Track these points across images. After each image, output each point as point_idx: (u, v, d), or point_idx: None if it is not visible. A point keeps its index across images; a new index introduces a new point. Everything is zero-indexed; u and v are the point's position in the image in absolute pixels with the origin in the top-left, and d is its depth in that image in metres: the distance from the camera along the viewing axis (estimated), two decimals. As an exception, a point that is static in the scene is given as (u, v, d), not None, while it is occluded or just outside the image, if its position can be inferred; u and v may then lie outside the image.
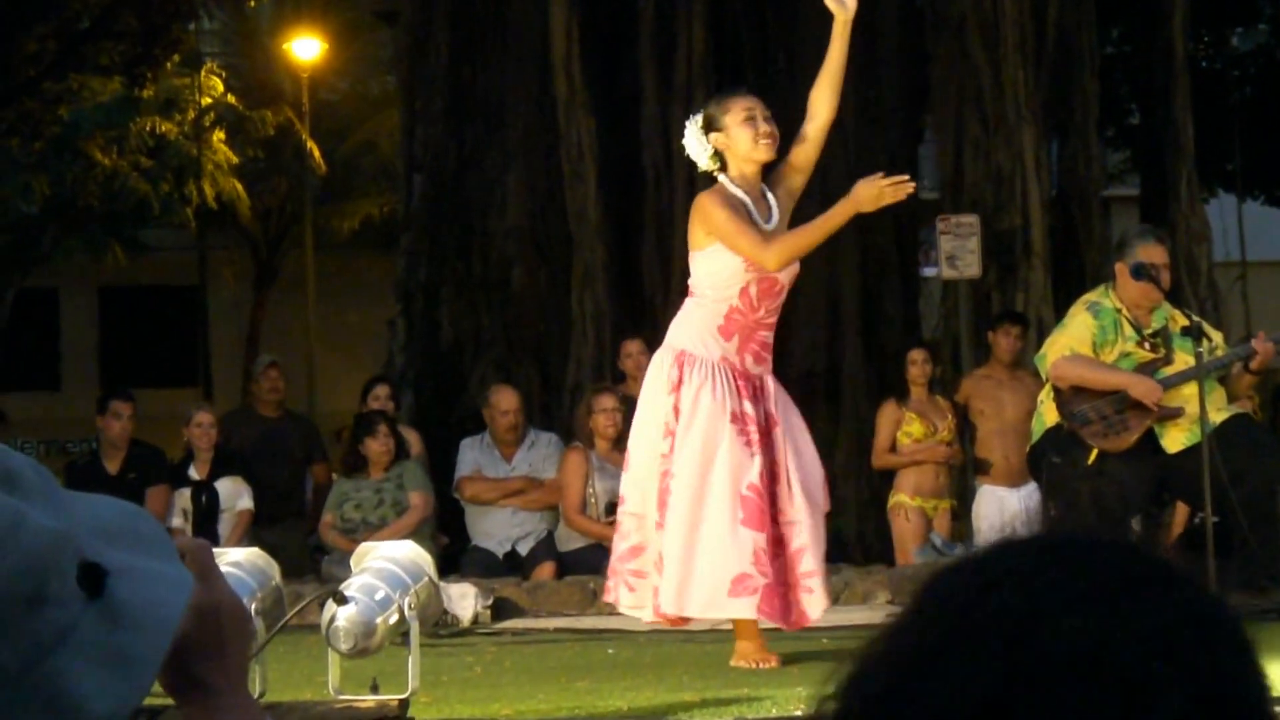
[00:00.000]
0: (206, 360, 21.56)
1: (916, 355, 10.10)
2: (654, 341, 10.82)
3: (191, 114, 21.28)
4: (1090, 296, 8.01)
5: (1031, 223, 11.90)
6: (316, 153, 22.02)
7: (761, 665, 6.06)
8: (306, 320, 22.31)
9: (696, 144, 6.36)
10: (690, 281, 6.39)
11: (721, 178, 6.32)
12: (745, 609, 6.04)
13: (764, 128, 6.26)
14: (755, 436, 6.09)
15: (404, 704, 4.72)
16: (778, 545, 6.11)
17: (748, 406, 6.13)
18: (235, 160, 21.89)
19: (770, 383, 6.28)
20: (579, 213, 12.09)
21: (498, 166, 12.70)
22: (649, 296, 12.27)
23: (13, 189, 19.55)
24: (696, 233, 6.29)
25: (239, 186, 21.83)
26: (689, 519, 6.03)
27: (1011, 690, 0.91)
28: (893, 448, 10.01)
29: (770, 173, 6.36)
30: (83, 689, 1.17)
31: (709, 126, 6.32)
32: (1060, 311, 9.35)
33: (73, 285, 23.99)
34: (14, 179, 19.14)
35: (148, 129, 20.57)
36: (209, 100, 21.57)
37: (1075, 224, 12.59)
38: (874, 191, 6.01)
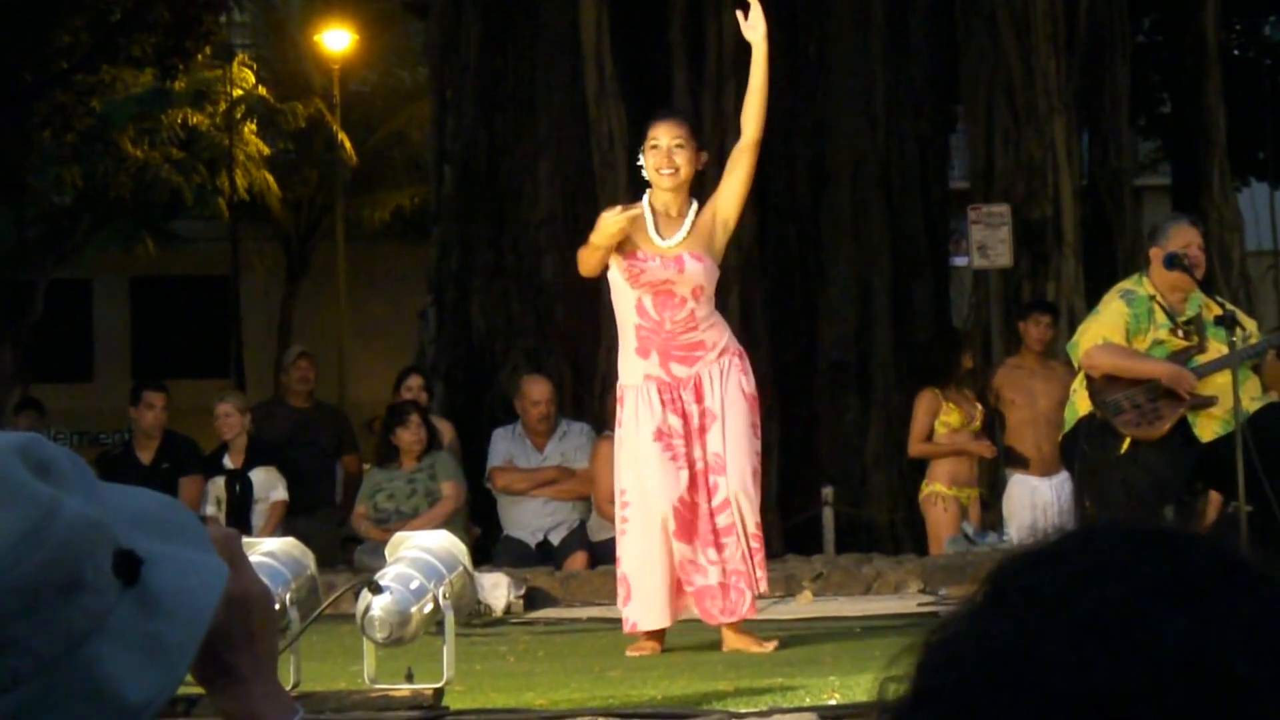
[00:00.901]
0: (238, 351, 21.63)
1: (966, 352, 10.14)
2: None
3: (223, 106, 21.35)
4: (1124, 284, 7.98)
5: (1063, 212, 11.86)
6: (347, 144, 22.08)
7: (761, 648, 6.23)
8: (338, 311, 22.36)
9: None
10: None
11: (647, 193, 6.50)
12: (690, 613, 6.39)
13: (659, 161, 6.41)
14: (681, 448, 6.28)
15: (439, 693, 4.72)
16: (717, 543, 6.30)
17: (672, 421, 6.29)
18: (266, 151, 21.96)
19: (707, 376, 6.36)
20: (610, 202, 12.04)
21: (529, 156, 12.70)
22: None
23: (45, 181, 19.62)
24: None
25: (270, 178, 21.89)
26: (641, 541, 6.31)
27: (1123, 686, 0.90)
28: (928, 437, 9.98)
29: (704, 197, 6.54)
30: (118, 676, 1.17)
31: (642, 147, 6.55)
32: (1092, 301, 9.32)
33: (105, 276, 24.09)
34: (46, 171, 19.21)
35: (179, 121, 20.64)
36: (240, 92, 21.63)
37: (1106, 213, 12.55)
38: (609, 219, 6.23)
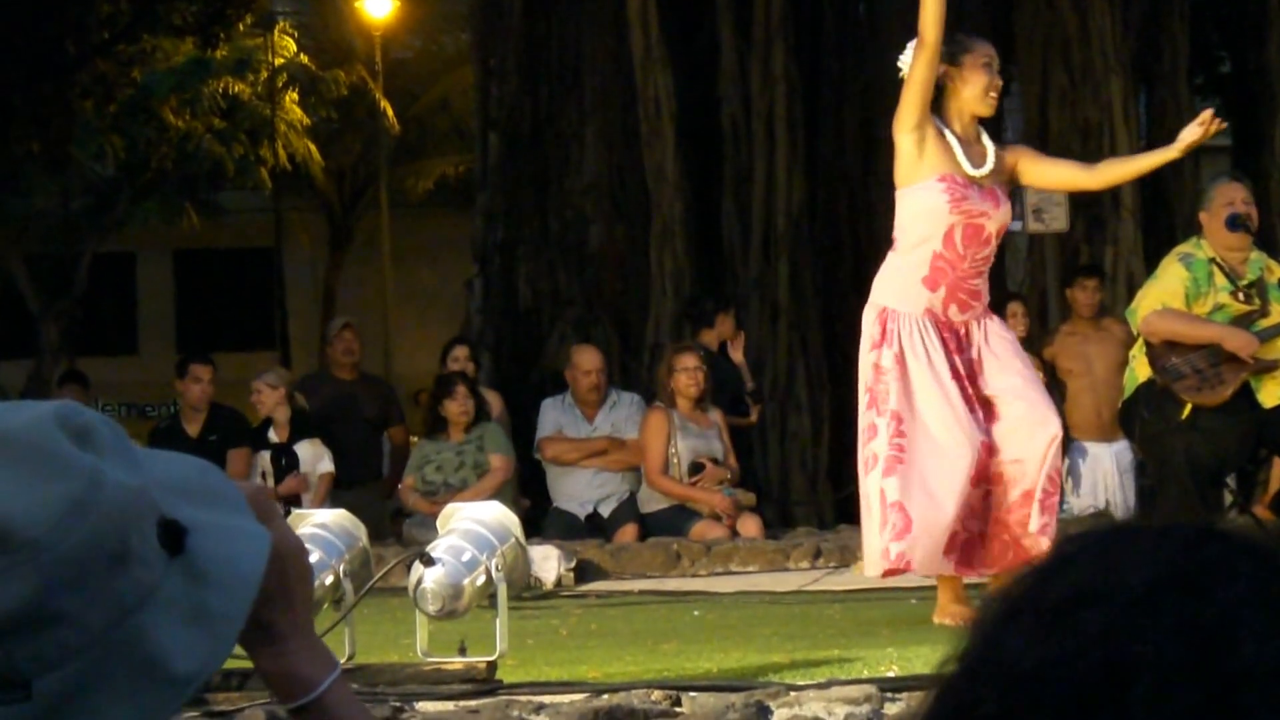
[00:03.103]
0: (283, 323, 21.70)
1: (1015, 308, 9.99)
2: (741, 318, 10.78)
3: (264, 74, 21.36)
4: (1182, 248, 7.90)
5: (1120, 174, 11.75)
6: (390, 112, 22.08)
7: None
8: (382, 282, 22.40)
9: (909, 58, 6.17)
10: (895, 230, 6.22)
11: (934, 117, 6.12)
12: (950, 566, 5.96)
13: (997, 81, 6.20)
14: (963, 389, 5.97)
15: (492, 666, 4.72)
16: (985, 494, 6.00)
17: (957, 362, 6.00)
18: (308, 121, 21.97)
19: (976, 329, 6.11)
20: (657, 170, 12.04)
21: (574, 124, 12.66)
22: (728, 254, 12.22)
23: (87, 152, 19.69)
24: (902, 166, 6.12)
25: (312, 147, 21.91)
26: (916, 476, 5.90)
27: (1211, 704, 0.89)
28: None
29: (1001, 142, 6.34)
30: (168, 647, 1.17)
31: (947, 57, 6.12)
32: (1151, 265, 9.23)
33: (149, 249, 24.18)
34: (89, 142, 19.27)
35: (220, 90, 20.66)
36: (281, 60, 21.65)
37: (1165, 176, 12.42)
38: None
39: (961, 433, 5.91)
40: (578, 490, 9.89)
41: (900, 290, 6.06)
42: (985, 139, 6.18)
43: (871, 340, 6.04)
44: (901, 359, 5.97)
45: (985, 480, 5.97)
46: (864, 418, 6.04)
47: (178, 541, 1.20)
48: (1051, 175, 6.41)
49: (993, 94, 6.16)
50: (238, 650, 1.26)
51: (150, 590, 1.17)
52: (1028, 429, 6.03)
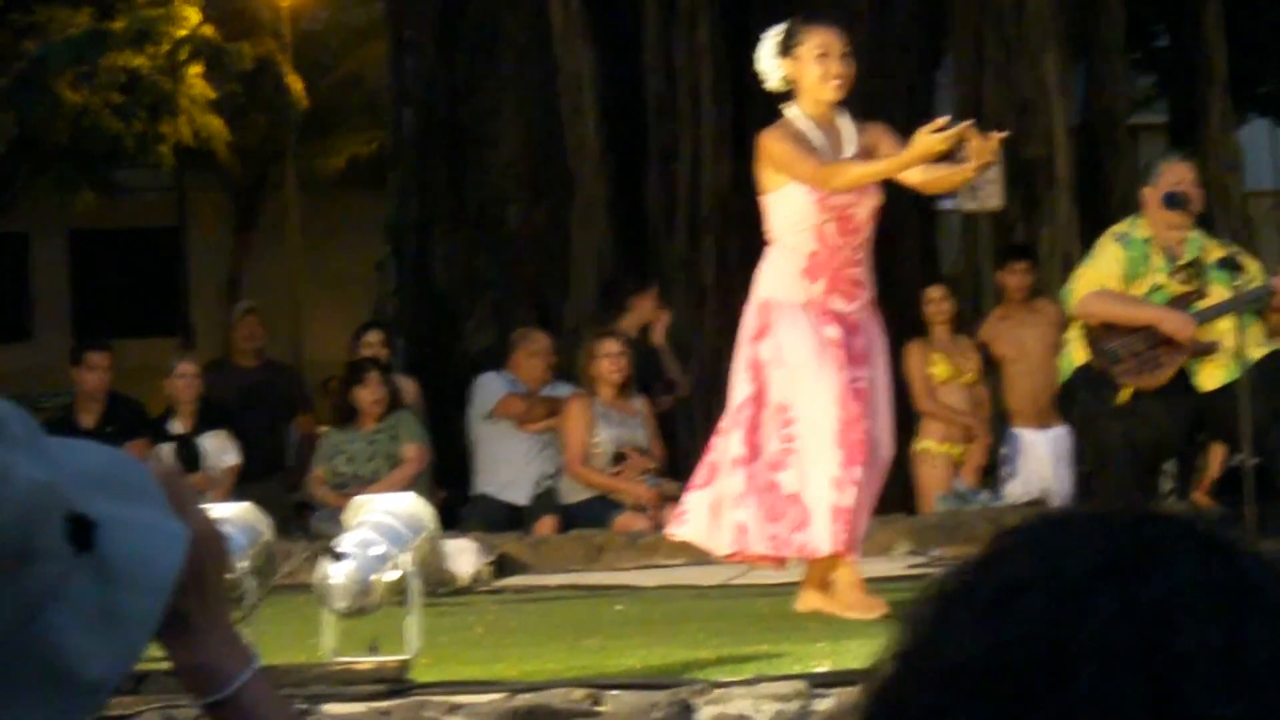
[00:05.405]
0: (186, 307, 21.55)
1: (934, 293, 10.06)
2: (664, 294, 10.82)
3: (166, 47, 21.15)
4: (1119, 227, 7.97)
5: (1056, 152, 11.83)
6: (299, 87, 21.92)
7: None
8: (291, 264, 22.27)
9: (769, 63, 6.39)
10: (768, 229, 6.43)
11: (790, 110, 6.36)
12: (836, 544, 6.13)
13: (835, 68, 6.30)
14: (844, 361, 6.17)
15: (404, 666, 4.71)
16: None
17: (830, 333, 6.20)
18: (213, 96, 21.76)
19: (863, 320, 6.32)
20: (578, 147, 12.02)
21: (492, 99, 12.62)
22: (652, 235, 12.22)
23: (-23, 129, 19.46)
24: (764, 174, 6.37)
25: (217, 123, 21.73)
26: (809, 464, 6.09)
27: (1154, 691, 0.90)
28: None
29: (859, 121, 6.41)
30: (76, 651, 1.15)
31: (784, 49, 6.33)
32: (1087, 244, 9.31)
33: (43, 229, 23.92)
34: (-22, 118, 19.04)
35: (119, 63, 20.45)
36: (184, 32, 21.43)
37: (1101, 153, 12.53)
38: (933, 141, 5.98)
39: (847, 413, 6.08)
40: (516, 466, 9.85)
41: (781, 283, 6.27)
42: (843, 120, 6.32)
43: (751, 333, 6.26)
44: (783, 349, 6.15)
45: (870, 463, 6.16)
46: (739, 410, 6.23)
47: (86, 537, 1.18)
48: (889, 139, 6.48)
49: (834, 81, 6.27)
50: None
51: (56, 587, 1.15)
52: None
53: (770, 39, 6.41)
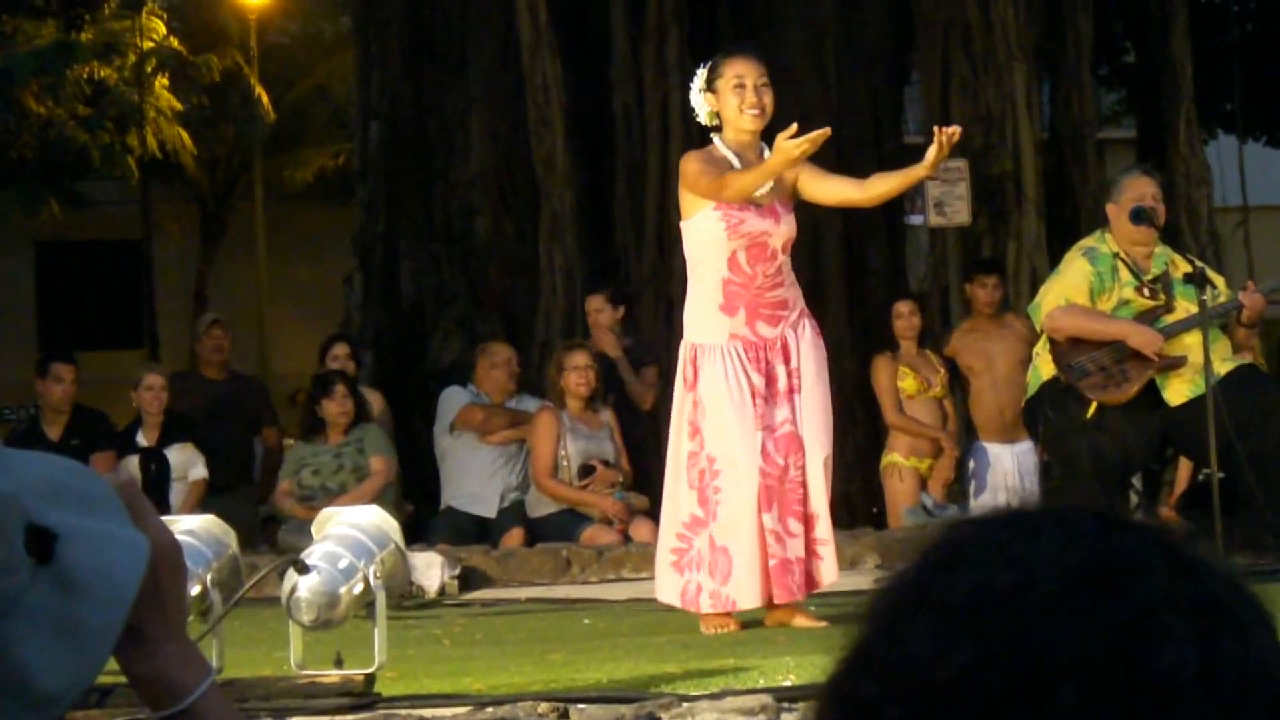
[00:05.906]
0: (152, 320, 21.45)
1: (903, 308, 10.09)
2: (624, 295, 10.84)
3: (132, 58, 21.10)
4: (1086, 242, 8.01)
5: (1023, 167, 11.89)
6: (265, 99, 21.89)
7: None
8: (258, 277, 22.23)
9: (697, 98, 6.54)
10: (687, 264, 6.53)
11: (715, 138, 6.49)
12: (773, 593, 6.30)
13: (750, 98, 6.40)
14: (763, 410, 6.26)
15: (370, 679, 4.69)
16: (800, 513, 6.29)
17: (756, 381, 6.27)
18: (179, 108, 21.73)
19: (794, 337, 6.38)
20: (546, 160, 12.02)
21: (459, 111, 12.62)
22: (621, 247, 12.23)
23: (-58, 140, 19.39)
24: (683, 198, 6.49)
25: (184, 135, 21.68)
26: (736, 511, 6.24)
27: (1136, 714, 0.90)
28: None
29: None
30: (34, 664, 1.14)
31: (708, 83, 6.49)
32: (1054, 259, 9.35)
33: (8, 241, 23.82)
34: (-57, 130, 18.98)
35: (85, 75, 20.40)
36: (150, 44, 21.39)
37: (1069, 168, 12.58)
38: (790, 147, 6.07)
39: (771, 466, 6.21)
40: (481, 479, 9.84)
41: (702, 322, 6.37)
42: (767, 154, 6.36)
43: (685, 381, 6.34)
44: (705, 401, 6.26)
45: (780, 504, 6.24)
46: (690, 467, 6.31)
47: (46, 549, 1.17)
48: (826, 190, 6.57)
49: (750, 112, 6.38)
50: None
51: (15, 599, 1.15)
52: (809, 450, 6.31)
53: (699, 75, 6.55)
